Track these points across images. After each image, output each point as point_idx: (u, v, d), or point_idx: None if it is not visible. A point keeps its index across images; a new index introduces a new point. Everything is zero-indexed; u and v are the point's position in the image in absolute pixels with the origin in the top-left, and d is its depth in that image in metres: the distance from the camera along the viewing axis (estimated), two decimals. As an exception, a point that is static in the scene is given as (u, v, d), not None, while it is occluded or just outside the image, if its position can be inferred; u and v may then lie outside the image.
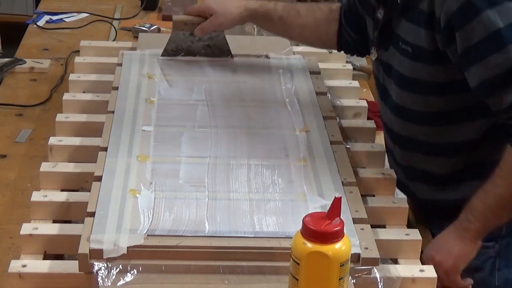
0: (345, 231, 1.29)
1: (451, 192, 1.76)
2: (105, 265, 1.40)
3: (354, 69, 2.36)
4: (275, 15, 2.00)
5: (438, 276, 1.50)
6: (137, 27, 2.70)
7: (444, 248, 1.60)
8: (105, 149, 1.70)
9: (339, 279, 1.29)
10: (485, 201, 1.57)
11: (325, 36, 2.01)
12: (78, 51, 2.34)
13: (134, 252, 1.41)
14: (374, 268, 1.45)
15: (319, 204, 1.56)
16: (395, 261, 1.56)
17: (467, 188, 1.67)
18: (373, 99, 2.31)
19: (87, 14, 2.88)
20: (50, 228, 1.55)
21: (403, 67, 1.68)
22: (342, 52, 2.08)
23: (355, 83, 2.19)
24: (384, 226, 1.65)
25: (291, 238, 1.31)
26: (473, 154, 1.72)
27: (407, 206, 1.68)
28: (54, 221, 1.60)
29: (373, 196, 1.74)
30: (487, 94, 1.56)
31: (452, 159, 1.74)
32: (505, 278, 1.75)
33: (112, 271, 1.40)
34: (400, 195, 1.81)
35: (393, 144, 1.83)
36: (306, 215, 1.30)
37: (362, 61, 2.57)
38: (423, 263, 1.56)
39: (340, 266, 1.28)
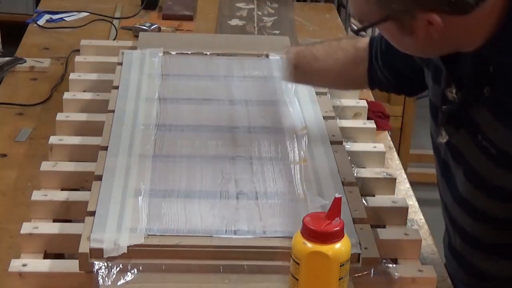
0: (345, 231, 1.30)
1: None
2: (106, 264, 1.40)
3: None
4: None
5: None
6: (138, 26, 2.70)
7: None
8: (105, 148, 1.71)
9: (339, 279, 1.29)
10: None
11: (352, 78, 1.79)
12: (79, 50, 2.34)
13: (134, 251, 1.42)
14: (374, 268, 1.45)
15: (319, 204, 1.56)
16: (394, 261, 1.56)
17: None
18: (373, 99, 2.31)
19: (88, 13, 2.88)
20: (50, 227, 1.55)
21: (481, 166, 1.40)
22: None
23: (355, 83, 2.18)
24: (384, 226, 1.65)
25: (291, 238, 1.31)
26: None
27: (407, 206, 1.68)
28: (55, 220, 1.61)
29: (373, 196, 1.74)
30: None
31: None
32: None
33: (113, 270, 1.40)
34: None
35: (453, 231, 1.57)
36: (306, 215, 1.30)
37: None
38: None
39: (340, 266, 1.28)
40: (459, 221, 1.52)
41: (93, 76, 2.12)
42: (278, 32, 2.72)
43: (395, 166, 1.97)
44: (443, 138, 1.48)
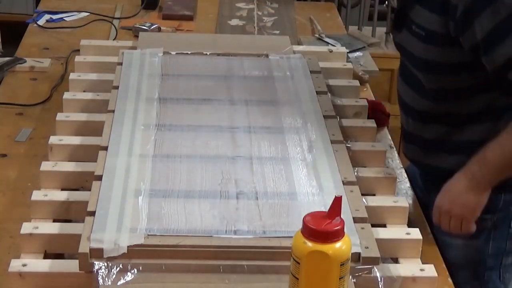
0: (345, 230, 1.29)
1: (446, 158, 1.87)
2: (106, 264, 1.40)
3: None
4: None
5: (451, 225, 1.70)
6: (138, 26, 2.70)
7: (460, 201, 1.70)
8: (105, 148, 1.70)
9: (340, 279, 1.29)
10: (501, 155, 1.66)
11: None
12: (79, 50, 2.34)
13: (134, 251, 1.41)
14: (375, 267, 1.45)
15: (320, 204, 1.56)
16: (395, 260, 1.56)
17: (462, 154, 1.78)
18: (373, 98, 2.31)
19: (88, 13, 2.88)
20: (50, 227, 1.55)
21: (415, 49, 1.79)
22: (344, 52, 2.19)
23: (355, 82, 2.19)
24: (384, 226, 1.65)
25: (292, 237, 1.31)
26: (474, 128, 1.81)
27: (407, 205, 1.68)
28: (55, 220, 1.60)
29: (374, 195, 1.74)
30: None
31: (454, 128, 1.84)
32: (498, 247, 1.86)
33: (113, 270, 1.40)
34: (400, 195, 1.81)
35: (406, 117, 1.93)
36: (306, 215, 1.30)
37: (366, 60, 2.57)
38: (435, 216, 1.73)
39: (341, 265, 1.28)
40: (408, 102, 1.89)
41: (93, 76, 2.12)
42: (278, 32, 2.72)
43: (395, 165, 1.97)
44: (393, 39, 1.94)
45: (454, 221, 1.70)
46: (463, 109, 1.80)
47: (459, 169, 1.72)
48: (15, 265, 1.45)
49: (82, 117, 1.93)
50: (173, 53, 2.18)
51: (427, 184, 1.94)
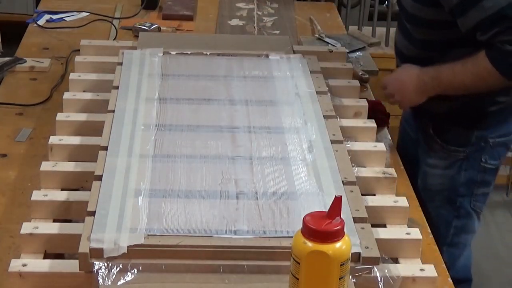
0: (345, 230, 1.29)
1: None
2: (106, 264, 1.40)
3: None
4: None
5: (390, 100, 2.15)
6: (138, 26, 2.70)
7: (404, 94, 2.10)
8: (105, 148, 1.70)
9: (340, 278, 1.29)
10: (451, 80, 2.01)
11: None
12: (79, 50, 2.34)
13: (134, 251, 1.41)
14: (375, 267, 1.45)
15: (320, 204, 1.56)
16: (395, 260, 1.56)
17: None
18: (373, 98, 2.31)
19: (88, 13, 2.88)
20: (50, 227, 1.55)
21: (407, 5, 2.10)
22: (344, 52, 2.30)
23: (355, 82, 2.18)
24: (384, 225, 1.65)
25: (292, 237, 1.31)
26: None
27: (408, 205, 1.68)
28: (55, 220, 1.61)
29: (374, 195, 1.74)
30: (482, 31, 1.94)
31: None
32: (469, 178, 2.17)
33: (113, 270, 1.40)
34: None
35: (400, 60, 2.24)
36: (306, 214, 1.30)
37: (366, 60, 2.57)
38: (383, 88, 2.16)
39: (341, 265, 1.28)
40: (400, 48, 2.21)
41: (93, 76, 2.12)
42: (278, 32, 2.72)
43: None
44: None
45: (393, 100, 2.14)
46: (445, 58, 2.05)
47: (440, 112, 2.12)
48: (15, 265, 1.45)
49: (82, 117, 1.93)
50: (173, 53, 2.18)
51: (416, 123, 2.27)
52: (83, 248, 1.41)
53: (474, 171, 2.16)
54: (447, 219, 2.20)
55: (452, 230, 2.21)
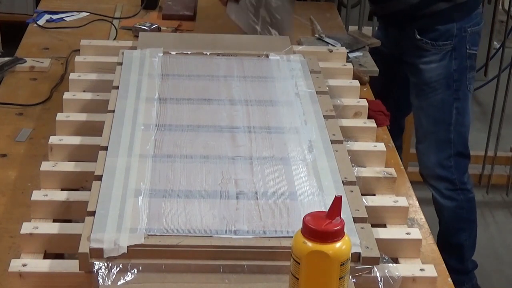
0: (345, 230, 1.29)
1: None
2: (106, 264, 1.40)
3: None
4: None
5: None
6: (138, 26, 2.70)
7: None
8: (105, 148, 1.70)
9: (340, 278, 1.29)
10: None
11: None
12: (79, 50, 2.34)
13: (134, 251, 1.41)
14: (375, 267, 1.45)
15: (320, 204, 1.56)
16: (395, 260, 1.56)
17: None
18: (373, 98, 2.31)
19: (88, 13, 2.88)
20: (50, 227, 1.55)
21: None
22: (344, 52, 2.32)
23: (356, 82, 2.18)
24: (384, 225, 1.65)
25: (291, 237, 1.31)
26: None
27: (408, 205, 1.68)
28: (55, 220, 1.61)
29: (374, 195, 1.74)
30: None
31: None
32: (460, 64, 2.62)
33: (113, 270, 1.40)
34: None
35: None
36: (306, 214, 1.30)
37: (366, 60, 2.57)
38: None
39: (341, 265, 1.28)
40: None
41: (93, 76, 2.12)
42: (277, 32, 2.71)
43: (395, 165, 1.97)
44: None
45: None
46: None
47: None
48: (15, 265, 1.45)
49: (82, 117, 1.93)
50: (173, 53, 2.18)
51: (395, 38, 2.70)
52: (83, 248, 1.41)
53: (463, 58, 2.62)
54: (448, 101, 2.63)
55: (454, 111, 2.64)
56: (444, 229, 2.81)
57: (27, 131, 2.08)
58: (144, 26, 2.70)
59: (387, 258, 1.55)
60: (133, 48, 2.23)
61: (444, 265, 1.63)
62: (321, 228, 1.27)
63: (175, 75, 2.07)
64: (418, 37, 2.61)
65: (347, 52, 2.43)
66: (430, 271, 1.51)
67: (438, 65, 2.62)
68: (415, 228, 1.64)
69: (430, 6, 2.57)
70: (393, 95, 2.79)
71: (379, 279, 1.46)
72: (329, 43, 2.63)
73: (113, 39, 2.64)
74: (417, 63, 2.65)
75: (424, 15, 2.58)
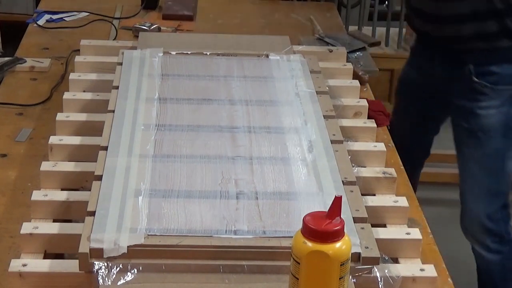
0: (345, 230, 1.29)
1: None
2: (106, 264, 1.40)
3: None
4: None
5: None
6: (138, 26, 2.70)
7: None
8: (105, 148, 1.70)
9: (340, 278, 1.29)
10: None
11: None
12: (79, 50, 2.34)
13: (134, 251, 1.41)
14: (375, 267, 1.45)
15: (320, 204, 1.56)
16: (395, 260, 1.56)
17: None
18: (373, 98, 2.31)
19: (88, 13, 2.88)
20: (50, 227, 1.55)
21: None
22: (344, 52, 2.26)
23: (356, 82, 2.19)
24: (384, 225, 1.65)
25: (291, 237, 1.31)
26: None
27: (408, 205, 1.68)
28: (55, 220, 1.61)
29: (374, 195, 1.74)
30: None
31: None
32: None
33: (113, 270, 1.40)
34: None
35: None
36: (306, 214, 1.30)
37: (366, 60, 2.57)
38: None
39: (341, 265, 1.28)
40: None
41: (93, 76, 2.12)
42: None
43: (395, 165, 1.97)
44: None
45: None
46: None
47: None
48: (15, 265, 1.45)
49: (82, 117, 1.93)
50: (173, 53, 2.18)
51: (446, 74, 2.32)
52: (83, 248, 1.41)
53: None
54: (503, 151, 2.34)
55: (509, 162, 2.35)
56: (488, 281, 2.52)
57: (27, 131, 2.08)
58: (144, 26, 2.70)
59: (387, 258, 1.55)
60: (133, 48, 2.23)
61: (444, 265, 1.63)
62: (321, 228, 1.27)
63: (175, 75, 2.07)
64: (475, 79, 2.28)
65: (347, 52, 2.43)
66: (430, 271, 1.51)
67: (498, 111, 2.30)
68: (415, 228, 1.64)
69: (490, 40, 2.24)
70: (419, 139, 2.59)
71: (379, 279, 1.46)
72: (329, 43, 2.63)
73: (113, 39, 2.64)
74: (472, 107, 2.31)
75: (484, 50, 2.27)
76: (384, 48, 3.70)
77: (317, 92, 2.01)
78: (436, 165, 3.38)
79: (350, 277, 1.39)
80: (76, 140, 1.83)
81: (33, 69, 2.43)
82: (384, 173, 1.78)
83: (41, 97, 2.25)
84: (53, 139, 1.82)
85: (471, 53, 2.27)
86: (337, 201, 1.28)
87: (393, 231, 1.62)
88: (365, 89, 2.37)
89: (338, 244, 1.28)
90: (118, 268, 1.40)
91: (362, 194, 1.64)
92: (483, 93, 2.27)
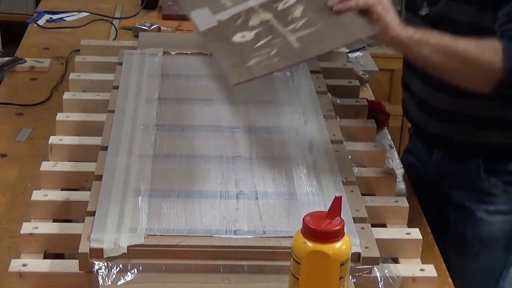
0: (345, 230, 1.29)
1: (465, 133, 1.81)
2: (106, 264, 1.40)
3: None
4: None
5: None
6: (138, 26, 2.70)
7: (386, 20, 1.57)
8: (105, 148, 1.70)
9: (340, 278, 1.29)
10: (445, 38, 1.57)
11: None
12: (79, 50, 2.34)
13: (134, 251, 1.41)
14: (375, 267, 1.45)
15: (320, 204, 1.56)
16: (395, 260, 1.56)
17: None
18: (373, 98, 2.31)
19: (88, 13, 2.88)
20: (50, 227, 1.55)
21: (463, 15, 1.70)
22: (344, 52, 2.14)
23: (356, 82, 2.18)
24: (384, 225, 1.65)
25: (291, 237, 1.31)
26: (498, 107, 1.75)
27: (408, 205, 1.68)
28: (55, 220, 1.60)
29: (374, 195, 1.74)
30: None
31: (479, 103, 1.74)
32: None
33: (113, 270, 1.40)
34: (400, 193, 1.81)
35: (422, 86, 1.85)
36: (306, 214, 1.30)
37: (366, 60, 2.57)
38: None
39: (341, 265, 1.28)
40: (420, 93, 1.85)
41: (93, 76, 2.12)
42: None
43: (395, 165, 1.97)
44: (425, 11, 1.79)
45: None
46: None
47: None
48: (15, 265, 1.45)
49: (82, 117, 1.93)
50: (173, 53, 2.18)
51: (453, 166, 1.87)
52: (83, 248, 1.41)
53: None
54: (498, 267, 1.90)
55: (501, 281, 1.91)
56: None
57: (27, 131, 2.08)
58: (144, 26, 2.69)
59: (387, 258, 1.55)
60: (133, 48, 2.23)
61: (444, 265, 1.63)
62: (321, 228, 1.27)
63: (175, 75, 2.07)
64: (484, 175, 1.82)
65: (347, 52, 2.43)
66: (430, 271, 1.51)
67: (505, 218, 1.84)
68: (415, 228, 1.64)
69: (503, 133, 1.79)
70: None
71: (379, 279, 1.46)
72: (329, 43, 2.62)
73: (113, 39, 2.64)
74: (474, 210, 1.85)
75: (495, 146, 1.80)
76: (384, 48, 3.70)
77: (317, 92, 2.01)
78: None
79: (350, 277, 1.39)
80: (76, 140, 1.83)
81: (33, 69, 2.43)
82: (384, 173, 1.77)
83: (41, 97, 2.25)
84: (53, 139, 1.82)
85: (484, 147, 1.81)
86: (337, 201, 1.28)
87: (393, 231, 1.62)
88: (365, 89, 2.37)
89: (338, 244, 1.28)
90: (118, 268, 1.40)
91: (362, 194, 1.64)
92: (491, 193, 1.83)
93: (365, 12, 1.59)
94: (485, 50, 1.55)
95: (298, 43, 1.64)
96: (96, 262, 1.40)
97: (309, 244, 1.27)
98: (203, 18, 1.94)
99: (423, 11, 1.80)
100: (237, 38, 1.78)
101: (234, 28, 1.82)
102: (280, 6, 1.81)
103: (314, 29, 1.65)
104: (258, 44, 1.70)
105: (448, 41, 1.57)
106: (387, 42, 1.61)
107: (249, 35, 1.76)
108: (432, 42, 1.57)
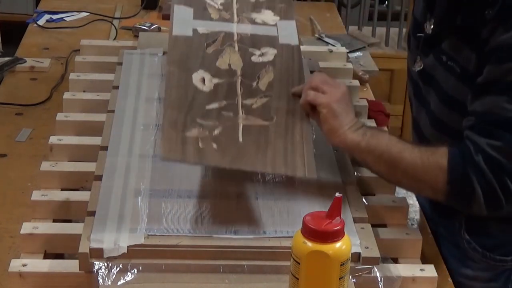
0: (345, 230, 1.29)
1: None
2: (106, 264, 1.40)
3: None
4: None
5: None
6: (138, 26, 2.70)
7: (339, 112, 1.56)
8: (105, 148, 1.70)
9: (340, 278, 1.29)
10: (390, 150, 1.52)
11: None
12: (79, 50, 2.34)
13: (134, 251, 1.42)
14: (375, 267, 1.45)
15: (320, 203, 1.56)
16: (395, 260, 1.56)
17: None
18: (373, 98, 2.31)
19: (88, 13, 2.88)
20: (50, 227, 1.55)
21: (447, 84, 1.60)
22: (344, 52, 2.11)
23: (356, 83, 2.18)
24: (384, 225, 1.65)
25: (291, 237, 1.31)
26: None
27: (407, 205, 1.68)
28: (54, 220, 1.60)
29: (374, 195, 1.74)
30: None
31: None
32: None
33: (113, 270, 1.40)
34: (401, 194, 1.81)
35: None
36: (306, 215, 1.30)
37: (366, 60, 2.57)
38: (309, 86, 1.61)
39: (341, 265, 1.28)
40: (428, 136, 1.71)
41: (93, 76, 2.12)
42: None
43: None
44: (419, 66, 1.70)
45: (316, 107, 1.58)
46: None
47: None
48: (15, 265, 1.45)
49: (82, 117, 1.93)
50: (173, 53, 2.17)
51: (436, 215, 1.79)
52: (83, 248, 1.41)
53: None
54: None
55: None
56: None
57: (27, 131, 2.08)
58: (144, 26, 2.70)
59: (387, 258, 1.55)
60: (133, 48, 2.23)
61: (444, 265, 1.63)
62: (321, 228, 1.27)
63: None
64: (467, 236, 1.68)
65: (347, 52, 2.43)
66: (430, 271, 1.51)
67: (484, 286, 1.70)
68: (415, 228, 1.63)
69: None
70: None
71: (379, 279, 1.46)
72: (329, 43, 2.63)
73: (113, 39, 2.64)
74: (455, 272, 1.67)
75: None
76: (384, 48, 3.71)
77: (317, 92, 2.00)
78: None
79: (350, 277, 1.39)
80: (76, 140, 1.83)
81: (33, 69, 2.43)
82: (384, 173, 1.77)
83: (41, 97, 2.25)
84: (53, 139, 1.82)
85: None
86: (337, 201, 1.28)
87: (393, 231, 1.62)
88: (365, 89, 2.37)
89: (338, 244, 1.28)
90: (118, 268, 1.40)
91: (362, 194, 1.64)
92: (471, 258, 1.68)
93: (315, 109, 1.58)
94: (430, 167, 1.50)
95: (241, 137, 1.57)
96: (96, 262, 1.40)
97: (309, 244, 1.27)
98: (182, 19, 1.91)
99: (416, 67, 1.70)
100: (197, 78, 1.70)
101: (201, 58, 1.75)
102: (255, 58, 1.77)
103: (261, 129, 1.58)
104: (209, 107, 1.61)
105: (394, 153, 1.52)
106: (333, 144, 1.62)
107: (208, 84, 1.68)
108: (378, 152, 1.53)
